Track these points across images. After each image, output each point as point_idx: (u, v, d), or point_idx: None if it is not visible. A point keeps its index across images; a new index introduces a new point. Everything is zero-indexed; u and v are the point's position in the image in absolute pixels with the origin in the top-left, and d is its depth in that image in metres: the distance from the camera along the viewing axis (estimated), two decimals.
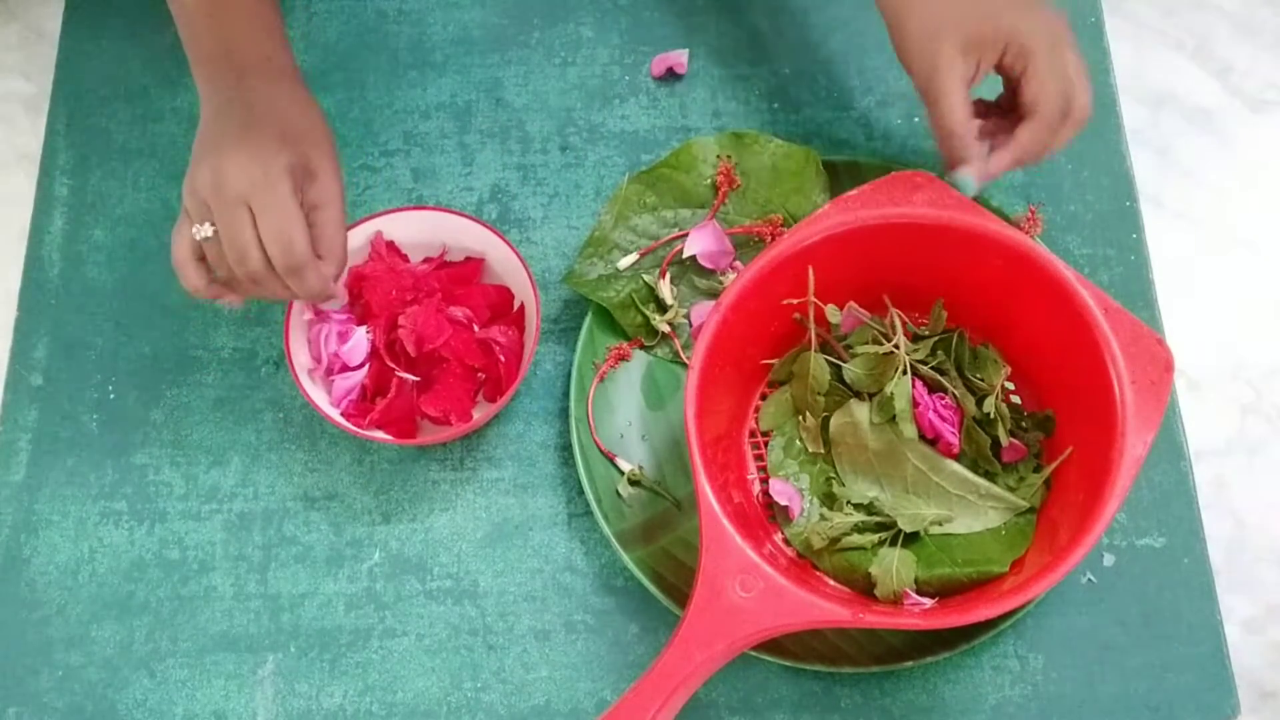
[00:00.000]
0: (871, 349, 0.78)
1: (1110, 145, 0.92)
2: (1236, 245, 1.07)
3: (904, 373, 0.77)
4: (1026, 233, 0.81)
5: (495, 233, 0.84)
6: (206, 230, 0.72)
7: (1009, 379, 0.79)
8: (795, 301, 0.77)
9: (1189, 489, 0.83)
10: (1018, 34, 0.74)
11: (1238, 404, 1.02)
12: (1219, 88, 1.12)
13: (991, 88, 0.79)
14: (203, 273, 0.74)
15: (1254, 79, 1.12)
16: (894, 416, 0.77)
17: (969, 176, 0.76)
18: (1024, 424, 0.79)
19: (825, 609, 0.68)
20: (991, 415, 0.77)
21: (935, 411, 0.77)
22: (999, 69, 0.77)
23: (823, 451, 0.80)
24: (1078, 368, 0.73)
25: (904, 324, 0.79)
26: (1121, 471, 0.68)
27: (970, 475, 0.77)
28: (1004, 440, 0.77)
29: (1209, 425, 1.01)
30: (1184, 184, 1.09)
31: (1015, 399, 0.80)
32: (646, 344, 0.85)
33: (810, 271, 0.76)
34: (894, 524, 0.76)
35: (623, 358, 0.85)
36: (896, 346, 0.78)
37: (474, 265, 0.85)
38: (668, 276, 0.86)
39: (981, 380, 0.78)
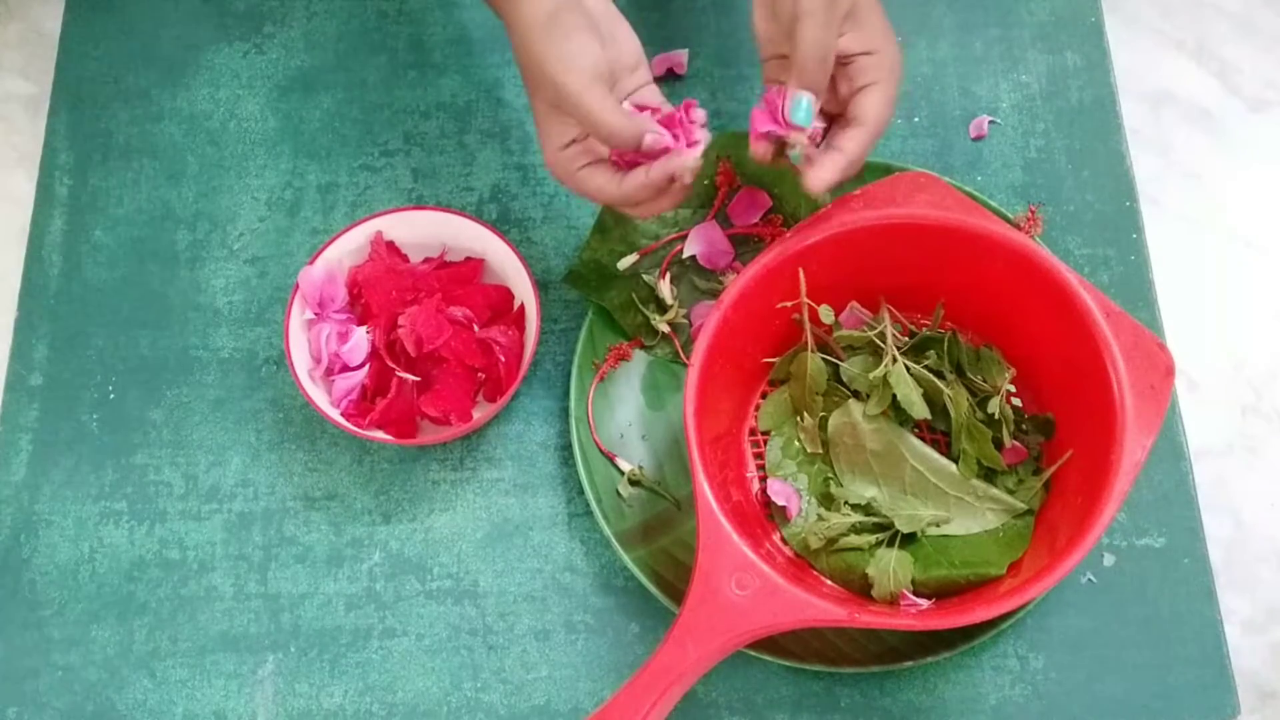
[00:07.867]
0: (859, 335, 0.78)
1: (1110, 145, 0.92)
2: (1236, 245, 1.07)
3: (894, 361, 0.77)
4: (1026, 233, 0.81)
5: (495, 233, 0.84)
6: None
7: (1010, 381, 0.79)
8: (789, 304, 0.77)
9: (1189, 489, 0.83)
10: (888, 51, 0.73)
11: (1238, 404, 1.02)
12: (1219, 88, 1.12)
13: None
14: (614, 176, 0.73)
15: (1254, 79, 1.12)
16: (894, 402, 0.77)
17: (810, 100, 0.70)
18: (1024, 426, 0.79)
19: (821, 608, 0.68)
20: (996, 416, 0.77)
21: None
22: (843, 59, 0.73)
23: (821, 452, 0.80)
24: (1078, 371, 0.73)
25: (898, 321, 0.79)
26: (1120, 475, 0.68)
27: (968, 477, 0.77)
28: (1007, 441, 0.77)
29: (1209, 425, 1.01)
30: (1184, 184, 1.08)
31: (1016, 401, 0.80)
32: (646, 344, 0.85)
33: (801, 273, 0.76)
34: (891, 525, 0.76)
35: (623, 358, 0.85)
36: (882, 336, 0.78)
37: (474, 265, 0.85)
38: (668, 276, 0.86)
39: (984, 382, 0.78)
